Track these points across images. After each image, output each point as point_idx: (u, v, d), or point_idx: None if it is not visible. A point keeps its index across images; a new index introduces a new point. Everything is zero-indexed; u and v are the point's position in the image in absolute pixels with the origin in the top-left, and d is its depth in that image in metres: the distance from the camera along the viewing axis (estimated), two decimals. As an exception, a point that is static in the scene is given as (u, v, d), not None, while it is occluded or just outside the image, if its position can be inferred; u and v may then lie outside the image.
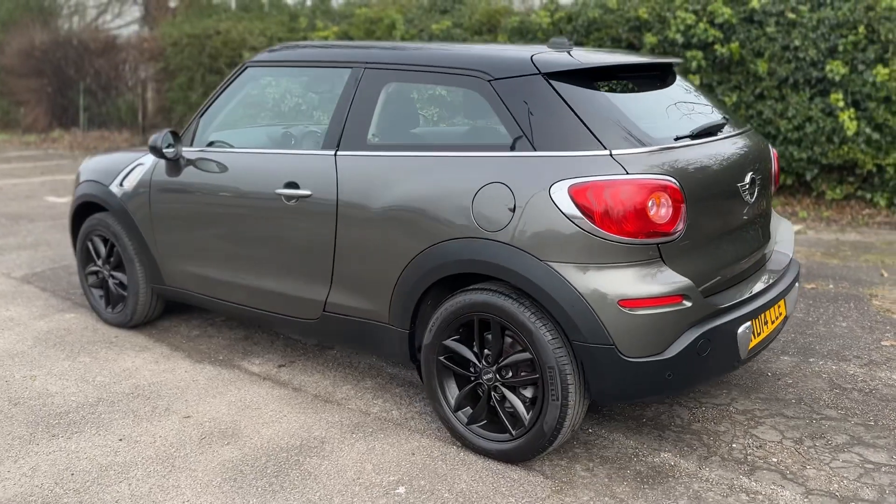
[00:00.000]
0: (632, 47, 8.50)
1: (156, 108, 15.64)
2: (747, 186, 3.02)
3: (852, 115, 7.08)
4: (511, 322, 2.75)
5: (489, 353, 2.88)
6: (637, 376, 2.62)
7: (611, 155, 2.65)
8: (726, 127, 3.15)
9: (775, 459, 2.95)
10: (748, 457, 2.97)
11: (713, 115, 3.21)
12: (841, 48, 7.09)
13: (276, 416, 3.36)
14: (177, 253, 3.98)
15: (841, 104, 7.10)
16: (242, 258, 3.66)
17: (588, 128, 2.71)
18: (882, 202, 7.40)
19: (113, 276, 4.45)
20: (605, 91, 2.93)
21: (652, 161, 2.67)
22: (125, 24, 24.79)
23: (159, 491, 2.78)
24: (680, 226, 2.64)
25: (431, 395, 3.07)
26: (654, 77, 3.24)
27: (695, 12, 7.82)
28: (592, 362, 2.63)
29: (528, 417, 2.80)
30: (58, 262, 5.96)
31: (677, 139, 2.84)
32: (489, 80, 2.91)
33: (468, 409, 3.01)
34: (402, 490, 2.76)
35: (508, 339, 2.85)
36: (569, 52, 3.06)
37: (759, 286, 3.04)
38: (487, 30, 10.14)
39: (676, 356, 2.61)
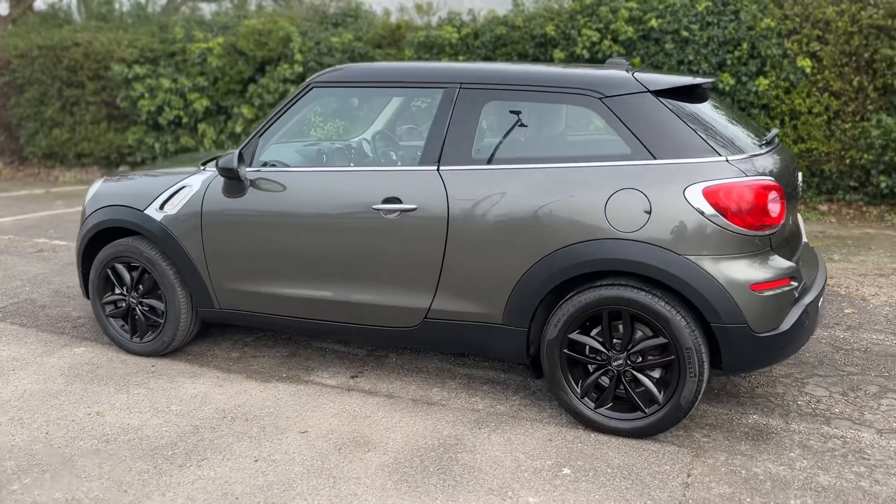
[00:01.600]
0: (538, 63, 9.14)
1: (-7, 125, 14.22)
2: (799, 185, 3.61)
3: (739, 121, 8.13)
4: (645, 312, 3.13)
5: (617, 341, 3.23)
6: (762, 348, 3.09)
7: (727, 161, 3.11)
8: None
9: (837, 409, 3.55)
10: (816, 410, 3.55)
11: (760, 128, 3.77)
12: (729, 62, 8.13)
13: (392, 422, 3.49)
14: (238, 274, 3.95)
15: (730, 111, 8.13)
16: (326, 274, 3.73)
17: (702, 138, 3.15)
18: (763, 195, 8.53)
19: (142, 304, 4.28)
20: (691, 105, 3.38)
21: (755, 165, 3.15)
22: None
23: (342, 500, 2.86)
24: (783, 219, 3.14)
25: (556, 386, 3.36)
26: (704, 93, 3.73)
27: (598, 30, 8.59)
28: (728, 340, 3.07)
29: (661, 395, 3.18)
30: (14, 296, 5.50)
31: (760, 146, 3.35)
32: (600, 98, 3.27)
33: (592, 395, 3.34)
34: (567, 471, 3.04)
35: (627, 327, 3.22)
36: (627, 71, 3.48)
37: (813, 268, 3.64)
38: (389, 43, 10.40)
39: (789, 329, 3.12)
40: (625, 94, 3.26)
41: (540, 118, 3.66)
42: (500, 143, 3.52)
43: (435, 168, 3.50)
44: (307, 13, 11.64)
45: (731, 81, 8.05)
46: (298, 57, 10.42)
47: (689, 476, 2.99)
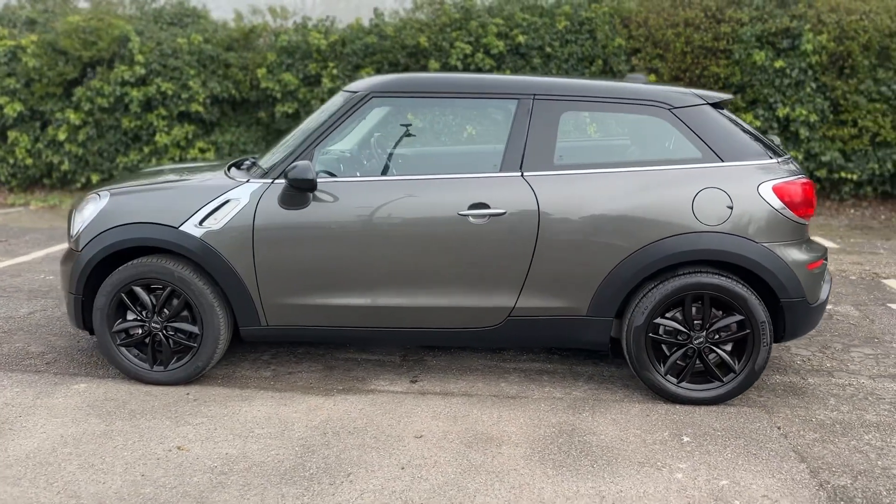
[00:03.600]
0: (409, 72, 9.42)
1: None
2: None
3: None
4: (726, 294, 3.63)
5: (698, 322, 3.70)
6: (811, 316, 3.75)
7: (778, 162, 3.71)
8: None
9: (829, 364, 4.34)
10: (814, 367, 4.31)
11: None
12: (587, 77, 9.05)
13: (494, 418, 3.64)
14: (296, 288, 3.82)
15: (589, 120, 9.07)
16: (406, 281, 3.77)
17: (756, 143, 3.73)
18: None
19: (168, 328, 3.94)
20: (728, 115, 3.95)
21: (792, 167, 3.80)
22: None
23: (522, 490, 3.00)
24: (813, 210, 3.83)
25: (642, 367, 3.75)
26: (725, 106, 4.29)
27: (470, 43, 9.09)
28: (793, 312, 3.67)
29: (737, 365, 3.70)
30: (-72, 335, 4.68)
31: (784, 151, 4.01)
32: (669, 109, 3.72)
33: (672, 372, 3.77)
34: (687, 438, 3.44)
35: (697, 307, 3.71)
36: (646, 83, 4.00)
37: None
38: (242, 47, 10.04)
39: (825, 300, 3.81)
40: (690, 106, 3.74)
41: (610, 126, 4.02)
42: (578, 149, 3.82)
43: (519, 174, 3.71)
44: (134, 11, 10.81)
45: (590, 93, 8.97)
46: (140, 58, 9.68)
47: (779, 428, 3.54)
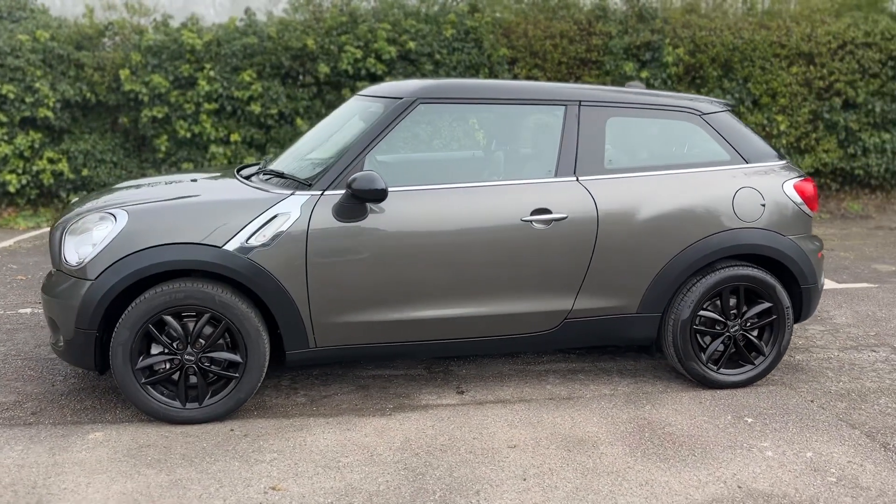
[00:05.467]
0: (290, 76, 9.06)
1: None
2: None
3: (483, 134, 9.36)
4: (759, 284, 3.96)
5: (734, 311, 4.00)
6: (817, 299, 4.19)
7: (787, 162, 4.13)
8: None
9: (801, 343, 4.87)
10: (791, 346, 4.81)
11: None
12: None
13: (568, 420, 3.68)
14: (353, 305, 3.60)
15: (476, 125, 9.31)
16: (469, 290, 3.70)
17: (769, 145, 4.11)
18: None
19: (203, 360, 3.53)
20: (738, 119, 4.32)
21: (793, 166, 4.23)
22: None
23: (651, 485, 3.09)
24: (813, 206, 4.30)
25: (687, 357, 3.97)
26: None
27: (360, 48, 8.94)
28: (808, 296, 4.09)
29: (767, 348, 4.05)
30: None
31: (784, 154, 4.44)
32: (700, 115, 4.00)
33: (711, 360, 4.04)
34: (749, 420, 3.71)
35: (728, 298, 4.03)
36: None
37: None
38: (97, 45, 9.09)
39: (823, 283, 4.29)
40: (715, 112, 4.04)
41: (651, 131, 4.18)
42: (626, 153, 3.97)
43: (574, 178, 3.79)
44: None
45: (477, 99, 9.20)
46: (-28, 57, 8.41)
47: (812, 402, 3.93)
